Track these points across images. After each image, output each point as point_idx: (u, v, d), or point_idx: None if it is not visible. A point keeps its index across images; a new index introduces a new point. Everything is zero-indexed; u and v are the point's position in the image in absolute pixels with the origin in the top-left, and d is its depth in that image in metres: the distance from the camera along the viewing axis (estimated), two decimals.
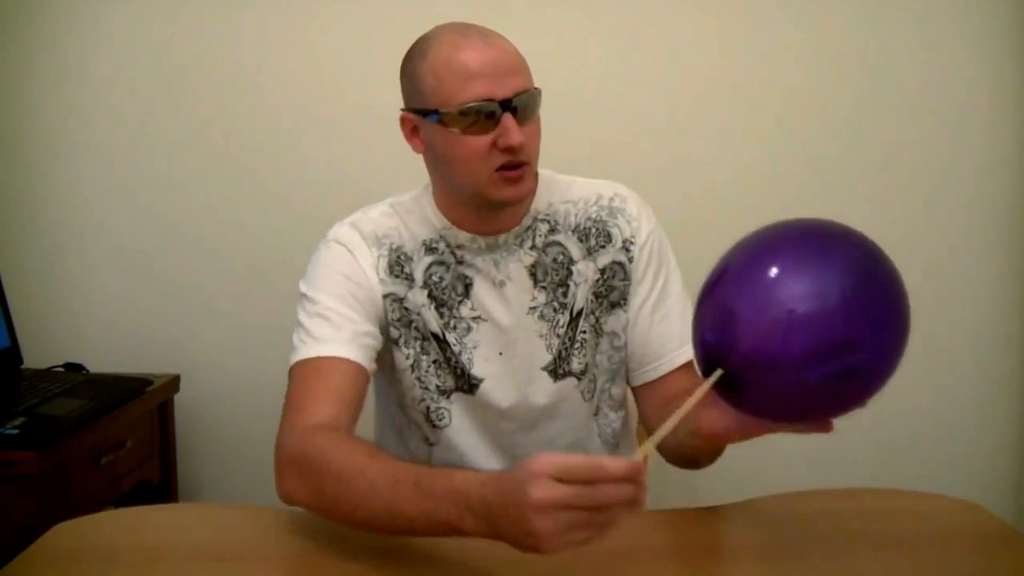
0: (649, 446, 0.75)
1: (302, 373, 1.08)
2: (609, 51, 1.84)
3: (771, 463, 1.98)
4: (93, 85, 1.90)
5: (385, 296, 1.13)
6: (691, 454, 1.07)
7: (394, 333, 1.15)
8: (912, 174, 1.93)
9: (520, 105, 1.02)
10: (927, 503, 1.09)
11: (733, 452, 1.87)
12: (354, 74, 1.89)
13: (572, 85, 1.77)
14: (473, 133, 1.02)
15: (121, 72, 1.90)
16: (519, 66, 1.05)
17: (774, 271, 0.80)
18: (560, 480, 0.71)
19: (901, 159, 1.93)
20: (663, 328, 1.16)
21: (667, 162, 1.88)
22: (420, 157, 1.13)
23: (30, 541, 0.95)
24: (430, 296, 1.14)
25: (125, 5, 1.88)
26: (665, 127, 1.87)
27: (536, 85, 1.07)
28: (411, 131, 1.10)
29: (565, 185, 1.19)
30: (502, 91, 1.01)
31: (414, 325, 1.14)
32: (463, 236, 1.14)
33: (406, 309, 1.14)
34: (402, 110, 1.11)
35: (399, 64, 1.84)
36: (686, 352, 1.14)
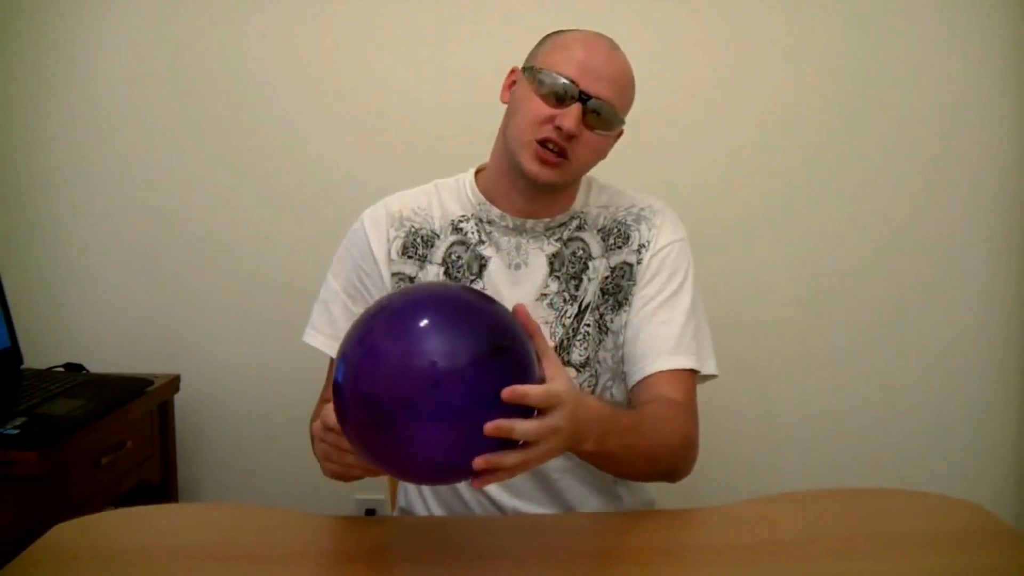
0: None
1: (329, 363, 1.21)
2: None
3: (771, 463, 1.98)
4: (94, 86, 1.90)
5: (393, 275, 1.19)
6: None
7: None
8: (910, 174, 1.94)
9: (595, 108, 1.09)
10: (927, 503, 1.09)
11: (733, 452, 1.89)
12: (361, 75, 1.89)
13: None
14: (544, 99, 1.09)
15: (124, 72, 1.90)
16: (619, 85, 1.12)
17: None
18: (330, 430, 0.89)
19: (898, 159, 1.93)
20: (660, 331, 1.16)
21: (664, 160, 1.88)
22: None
23: (30, 541, 0.95)
24: (446, 273, 1.18)
25: (131, 1, 1.88)
26: (661, 125, 1.87)
27: (624, 126, 1.14)
28: (509, 84, 1.18)
29: (607, 192, 1.24)
30: (589, 86, 1.08)
31: None
32: (494, 212, 1.19)
33: None
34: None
35: (407, 65, 1.87)
36: (676, 361, 1.14)
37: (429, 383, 0.77)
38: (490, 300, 0.87)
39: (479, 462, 0.78)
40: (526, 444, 0.81)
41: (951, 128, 1.92)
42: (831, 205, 1.94)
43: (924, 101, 1.91)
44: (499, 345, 0.80)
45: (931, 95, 1.91)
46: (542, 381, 0.83)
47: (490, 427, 0.77)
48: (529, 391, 0.79)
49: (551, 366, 0.84)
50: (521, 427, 0.79)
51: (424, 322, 0.80)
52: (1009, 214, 1.95)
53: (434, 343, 0.79)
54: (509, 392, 0.78)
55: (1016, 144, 1.92)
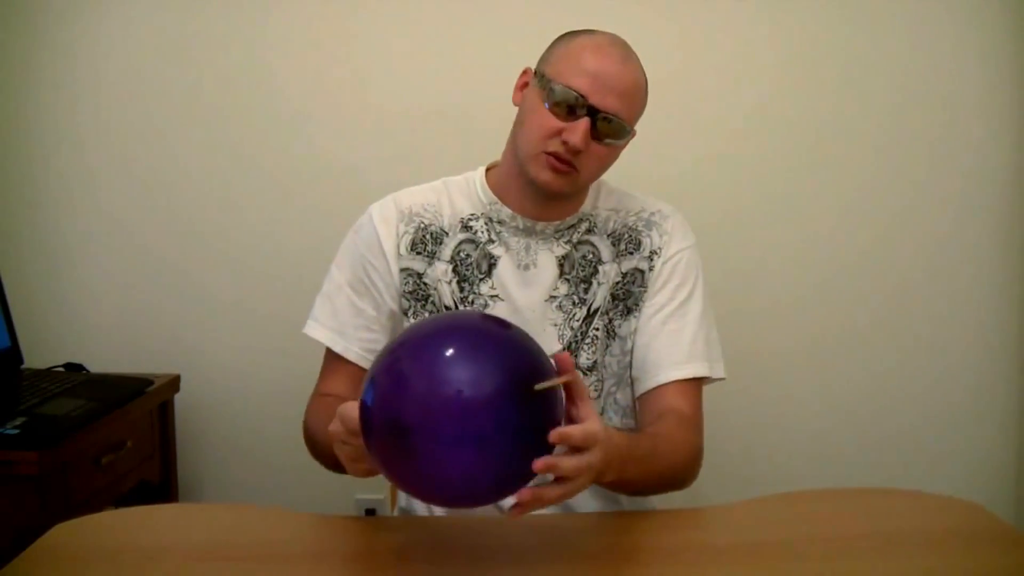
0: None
1: (325, 355, 1.22)
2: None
3: (771, 463, 1.98)
4: (95, 83, 1.90)
5: (402, 270, 1.19)
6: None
7: (404, 304, 1.20)
8: (909, 166, 1.94)
9: (604, 122, 1.08)
10: (927, 503, 1.09)
11: (734, 452, 1.89)
12: (363, 73, 1.89)
13: None
14: (553, 111, 1.09)
15: (125, 70, 1.90)
16: (630, 97, 1.11)
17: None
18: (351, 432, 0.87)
19: (897, 151, 1.93)
20: (671, 340, 1.17)
21: (660, 153, 1.87)
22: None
23: (30, 541, 0.95)
24: (455, 271, 1.18)
25: None
26: (658, 119, 1.86)
27: (636, 131, 1.14)
28: (522, 85, 1.17)
29: (616, 195, 1.24)
30: (598, 100, 1.08)
31: (431, 300, 1.19)
32: (505, 212, 1.19)
33: (424, 284, 1.19)
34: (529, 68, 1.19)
35: (412, 63, 1.87)
36: (687, 370, 1.16)
37: (464, 410, 0.79)
38: (528, 338, 0.88)
39: (525, 494, 0.82)
40: (560, 479, 0.84)
41: (949, 120, 1.92)
42: (829, 199, 1.94)
43: (922, 92, 1.91)
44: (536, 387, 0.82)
45: (929, 87, 1.91)
46: (569, 417, 0.86)
47: (539, 464, 0.80)
48: (573, 433, 0.83)
49: (585, 405, 0.86)
50: (564, 464, 0.82)
51: (457, 351, 0.82)
52: (1009, 207, 1.94)
53: (464, 373, 0.80)
54: (556, 435, 0.81)
55: (1015, 134, 1.92)
